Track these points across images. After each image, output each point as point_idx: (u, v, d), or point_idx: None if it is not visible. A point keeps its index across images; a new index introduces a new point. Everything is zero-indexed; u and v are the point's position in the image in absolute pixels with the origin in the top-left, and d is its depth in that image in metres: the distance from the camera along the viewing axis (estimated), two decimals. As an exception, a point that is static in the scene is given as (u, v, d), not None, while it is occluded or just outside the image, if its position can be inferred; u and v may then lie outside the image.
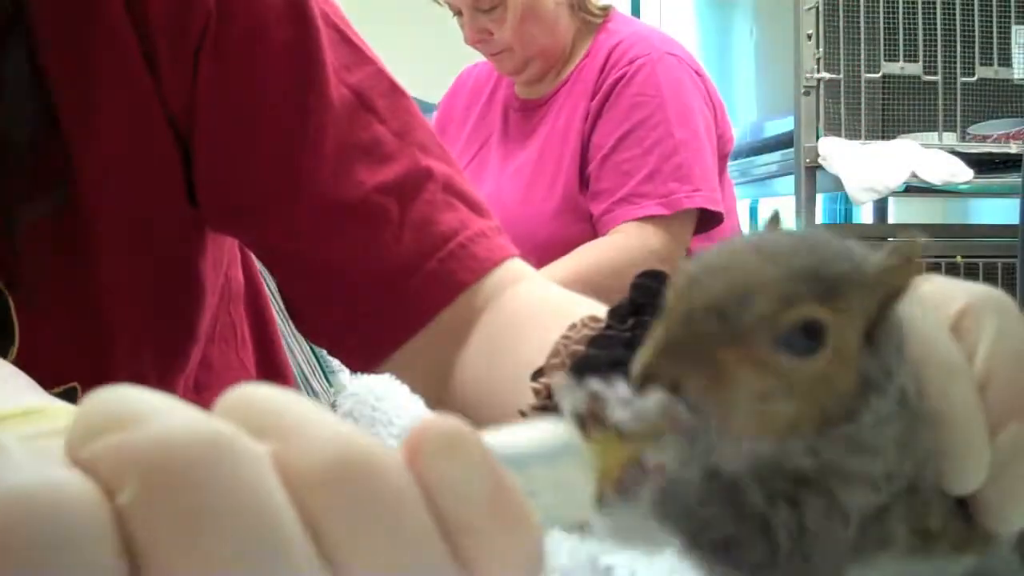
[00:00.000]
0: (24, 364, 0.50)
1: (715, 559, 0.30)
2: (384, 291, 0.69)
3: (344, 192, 0.68)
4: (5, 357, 0.65)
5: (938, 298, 0.34)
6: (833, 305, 0.29)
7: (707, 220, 1.81)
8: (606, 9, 1.89)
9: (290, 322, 0.77)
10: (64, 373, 0.67)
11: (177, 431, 0.20)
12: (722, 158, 1.89)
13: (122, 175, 0.68)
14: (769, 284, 0.29)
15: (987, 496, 0.31)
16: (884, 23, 2.65)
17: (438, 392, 0.71)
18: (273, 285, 0.88)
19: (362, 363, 0.72)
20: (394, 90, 0.73)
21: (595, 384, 0.28)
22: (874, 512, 0.30)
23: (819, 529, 0.29)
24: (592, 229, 1.79)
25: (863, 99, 2.65)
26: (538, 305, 0.68)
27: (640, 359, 0.30)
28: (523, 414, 0.52)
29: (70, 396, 0.66)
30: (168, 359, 0.75)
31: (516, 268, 0.72)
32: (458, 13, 1.85)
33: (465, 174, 0.76)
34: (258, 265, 0.92)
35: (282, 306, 0.94)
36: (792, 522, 0.29)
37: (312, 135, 0.68)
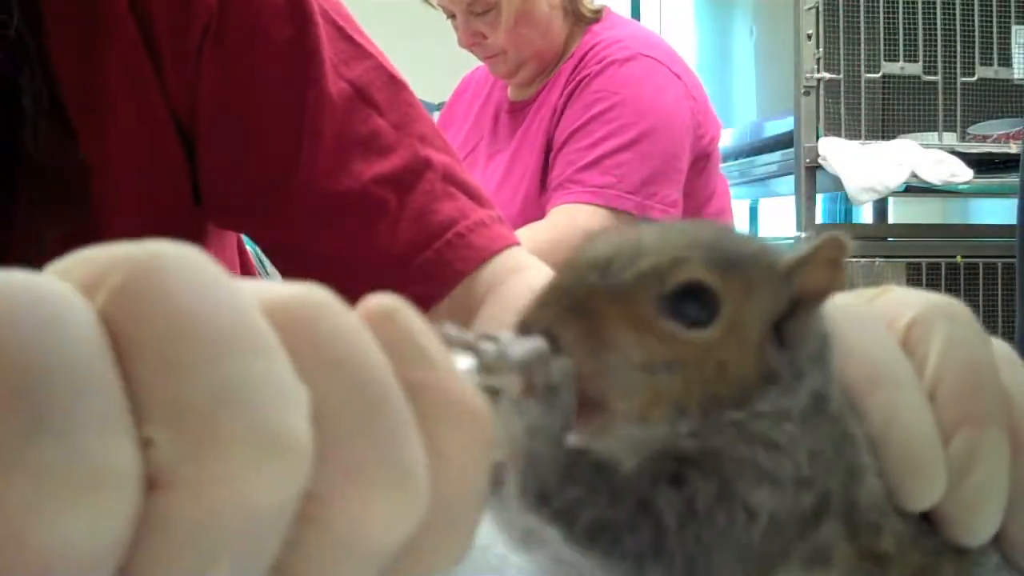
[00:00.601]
0: None
1: (592, 547, 0.26)
2: (382, 280, 0.69)
3: (342, 184, 0.69)
4: None
5: (890, 311, 0.33)
6: (728, 277, 0.28)
7: None
8: (598, 12, 1.88)
9: None
10: None
11: (158, 246, 0.21)
12: (705, 157, 1.84)
13: (133, 177, 0.69)
14: (661, 247, 0.28)
15: (947, 510, 0.30)
16: (884, 23, 2.65)
17: None
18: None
19: None
20: (393, 83, 0.74)
21: (475, 334, 0.26)
22: (797, 518, 0.28)
23: (710, 516, 0.27)
24: None
25: (863, 99, 2.65)
26: None
27: (521, 311, 0.28)
28: None
29: None
30: None
31: (516, 257, 0.73)
32: (452, 16, 1.85)
33: None
34: (257, 268, 0.92)
35: None
36: (678, 503, 0.27)
37: (311, 130, 0.69)
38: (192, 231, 0.74)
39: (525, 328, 0.28)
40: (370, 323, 0.23)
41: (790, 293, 0.29)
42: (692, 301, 0.27)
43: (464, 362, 0.26)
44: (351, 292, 0.83)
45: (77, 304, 0.20)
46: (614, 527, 0.26)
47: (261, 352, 0.21)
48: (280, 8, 0.69)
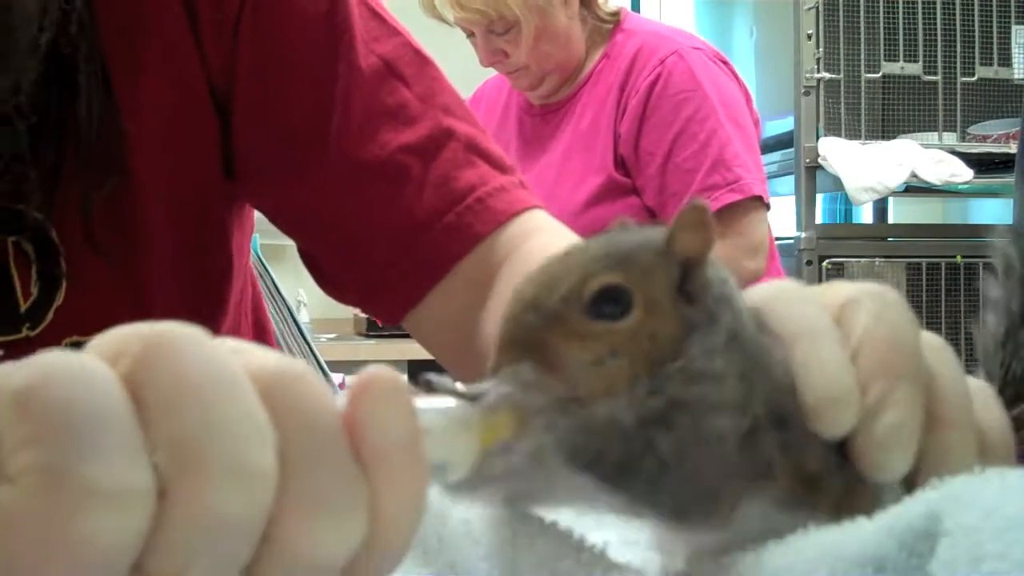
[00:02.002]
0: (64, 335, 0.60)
1: (618, 483, 0.33)
2: (405, 245, 0.73)
3: (370, 153, 0.72)
4: (51, 304, 0.70)
5: (828, 294, 0.38)
6: (628, 271, 0.34)
7: None
8: (616, 14, 1.88)
9: (287, 327, 0.80)
10: None
11: (167, 326, 0.28)
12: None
13: (168, 148, 0.71)
14: (570, 270, 0.35)
15: (861, 444, 0.35)
16: (884, 23, 2.65)
17: (466, 345, 0.74)
18: (270, 299, 0.92)
19: (388, 316, 0.77)
20: (420, 58, 0.77)
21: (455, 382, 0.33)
22: (744, 438, 0.33)
23: (696, 445, 0.33)
24: (640, 204, 1.77)
25: (863, 99, 2.65)
26: None
27: (488, 362, 0.35)
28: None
29: None
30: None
31: (537, 218, 0.75)
32: (471, 35, 1.84)
33: None
34: (258, 269, 0.93)
35: (283, 315, 0.96)
36: (671, 440, 0.33)
37: (341, 100, 0.72)
38: (220, 205, 0.77)
39: (495, 371, 0.34)
40: (353, 392, 0.29)
41: (676, 261, 0.35)
42: (609, 301, 0.34)
43: (447, 401, 0.33)
44: (375, 257, 0.84)
45: (105, 370, 0.26)
46: (632, 461, 0.33)
47: (240, 401, 0.27)
48: None
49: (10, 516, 0.24)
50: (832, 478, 0.35)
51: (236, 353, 0.29)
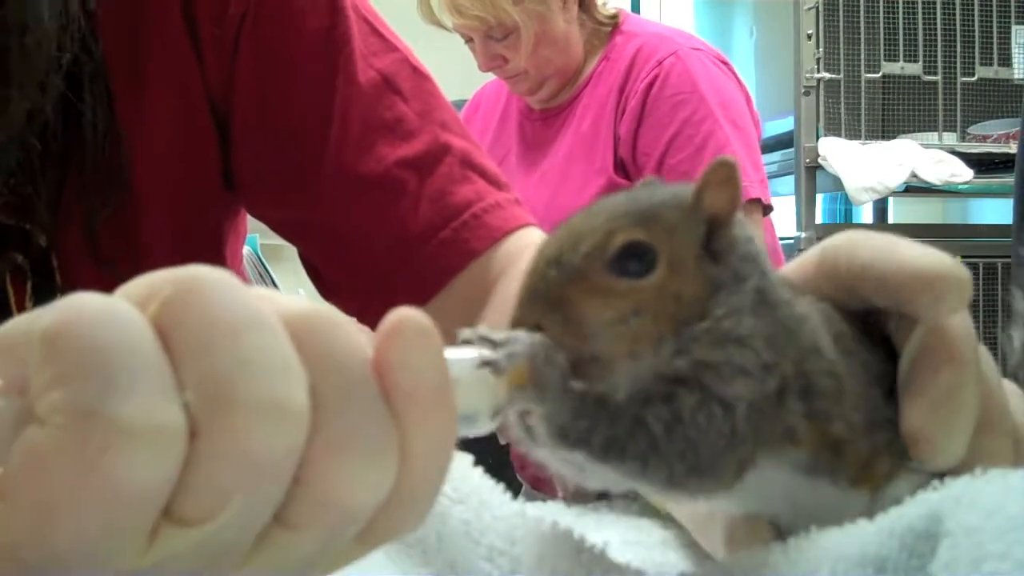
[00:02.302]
0: None
1: (608, 460, 0.33)
2: (401, 258, 0.73)
3: (367, 166, 0.73)
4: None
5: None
6: (652, 228, 0.34)
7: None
8: (614, 16, 1.87)
9: None
10: None
11: (198, 269, 0.27)
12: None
13: (168, 160, 0.72)
14: (593, 227, 0.34)
15: (927, 428, 0.35)
16: (884, 23, 2.65)
17: None
18: None
19: None
20: (417, 74, 0.78)
21: (482, 332, 0.33)
22: (767, 401, 0.33)
23: (693, 419, 0.33)
24: None
25: (863, 99, 2.65)
26: None
27: (510, 316, 0.35)
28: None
29: None
30: None
31: (532, 236, 0.75)
32: (469, 40, 1.83)
33: None
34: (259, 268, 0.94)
35: None
36: (666, 414, 0.33)
37: (339, 114, 0.73)
38: (218, 216, 0.77)
39: (517, 325, 0.34)
40: (382, 334, 0.29)
41: (703, 218, 0.34)
42: (633, 257, 0.34)
43: (471, 352, 0.33)
44: (372, 269, 0.84)
45: (133, 310, 0.26)
46: (619, 442, 0.33)
47: (271, 341, 0.27)
48: (314, 0, 0.73)
49: (41, 456, 0.24)
50: (859, 443, 0.35)
51: (265, 299, 0.28)
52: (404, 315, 0.29)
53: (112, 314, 0.26)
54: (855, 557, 0.30)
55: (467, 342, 0.33)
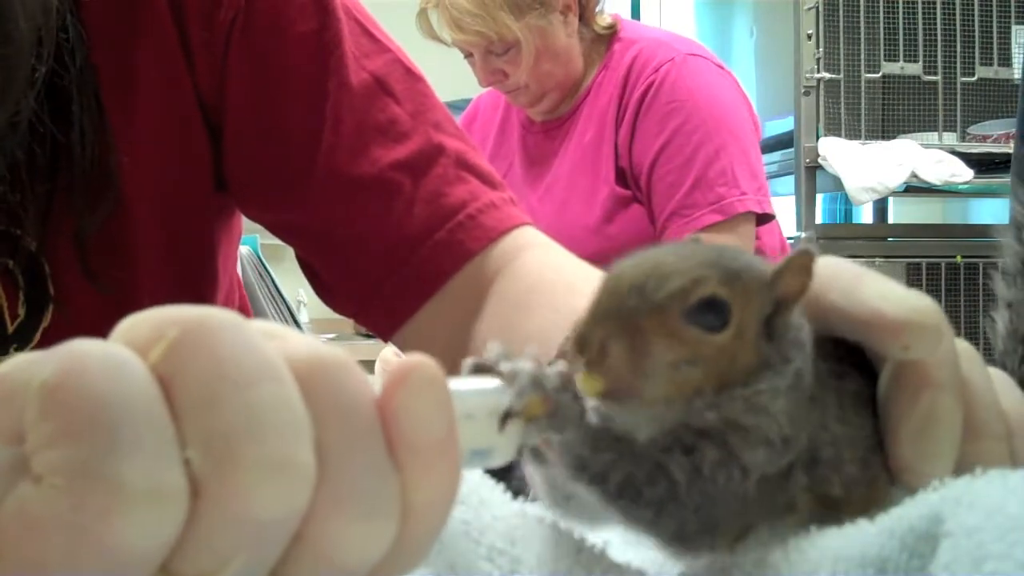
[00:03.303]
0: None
1: (621, 499, 0.34)
2: (396, 260, 0.73)
3: (361, 169, 0.72)
4: (39, 326, 0.70)
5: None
6: (734, 289, 0.35)
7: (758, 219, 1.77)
8: (612, 26, 1.85)
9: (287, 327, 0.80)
10: None
11: (206, 311, 0.26)
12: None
13: (159, 165, 0.71)
14: (682, 270, 0.35)
15: (906, 456, 0.36)
16: (884, 23, 2.65)
17: (456, 361, 0.73)
18: (269, 299, 0.92)
19: (384, 330, 0.77)
20: (410, 75, 0.77)
21: (504, 364, 0.34)
22: (777, 475, 0.34)
23: (713, 475, 0.34)
24: (647, 223, 1.75)
25: (863, 99, 2.65)
26: (549, 277, 0.71)
27: (577, 327, 0.35)
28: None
29: None
30: None
31: (526, 236, 0.75)
32: (469, 55, 1.82)
33: None
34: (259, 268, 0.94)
35: (283, 315, 0.96)
36: (688, 465, 0.34)
37: (332, 116, 0.73)
38: (210, 220, 0.77)
39: (583, 340, 0.35)
40: (389, 383, 0.28)
41: (774, 296, 0.36)
42: (710, 311, 0.34)
43: (482, 383, 0.33)
44: (369, 272, 0.84)
45: (134, 361, 0.25)
46: (636, 483, 0.33)
47: (280, 394, 0.26)
48: (305, 3, 0.73)
49: (36, 519, 0.23)
50: (855, 491, 0.36)
51: (271, 338, 0.27)
52: (413, 364, 0.28)
53: (116, 367, 0.24)
54: (856, 558, 0.30)
55: (478, 369, 0.33)
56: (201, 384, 0.25)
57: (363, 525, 0.26)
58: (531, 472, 0.36)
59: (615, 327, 0.34)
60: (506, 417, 0.32)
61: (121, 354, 0.25)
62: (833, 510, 0.35)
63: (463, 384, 0.32)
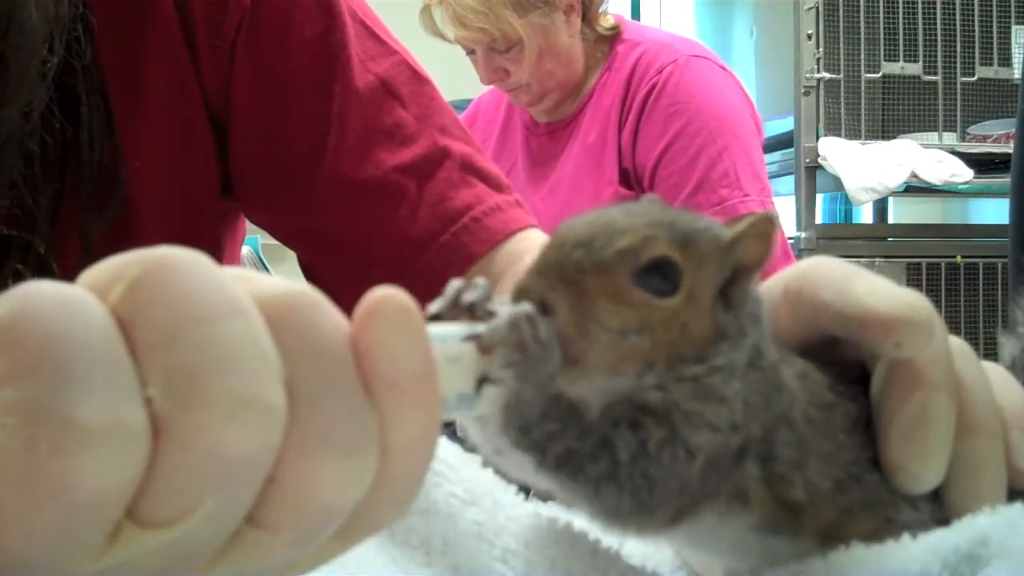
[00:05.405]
0: None
1: (559, 472, 0.32)
2: (401, 264, 0.73)
3: (366, 172, 0.73)
4: None
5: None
6: (687, 252, 0.33)
7: None
8: (615, 27, 1.86)
9: None
10: None
11: (168, 249, 0.25)
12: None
13: (165, 166, 0.71)
14: (632, 228, 0.33)
15: (897, 457, 0.35)
16: (884, 23, 2.65)
17: None
18: None
19: None
20: (416, 78, 0.77)
21: (470, 294, 0.32)
22: (724, 458, 0.33)
23: (658, 454, 0.32)
24: None
25: (863, 99, 2.65)
26: None
27: (517, 280, 0.33)
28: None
29: None
30: None
31: (531, 238, 0.75)
32: (472, 52, 1.82)
33: None
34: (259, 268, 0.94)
35: None
36: (633, 442, 0.32)
37: (337, 120, 0.73)
38: (215, 222, 0.77)
39: (522, 294, 0.33)
40: (360, 317, 0.26)
41: (732, 263, 0.34)
42: (659, 274, 0.32)
43: (457, 328, 0.31)
44: (372, 276, 0.85)
45: (90, 299, 0.24)
46: (579, 457, 0.32)
47: (247, 331, 0.25)
48: (310, 6, 0.73)
49: None
50: (822, 507, 0.34)
51: (241, 280, 0.26)
52: (383, 295, 0.27)
53: (69, 304, 0.24)
54: (898, 572, 0.30)
55: (438, 316, 0.32)
56: (162, 321, 0.24)
57: (339, 464, 0.25)
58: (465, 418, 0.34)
59: (557, 280, 0.32)
60: (480, 344, 0.30)
61: (76, 293, 0.24)
62: (796, 517, 0.34)
63: (449, 327, 0.31)
